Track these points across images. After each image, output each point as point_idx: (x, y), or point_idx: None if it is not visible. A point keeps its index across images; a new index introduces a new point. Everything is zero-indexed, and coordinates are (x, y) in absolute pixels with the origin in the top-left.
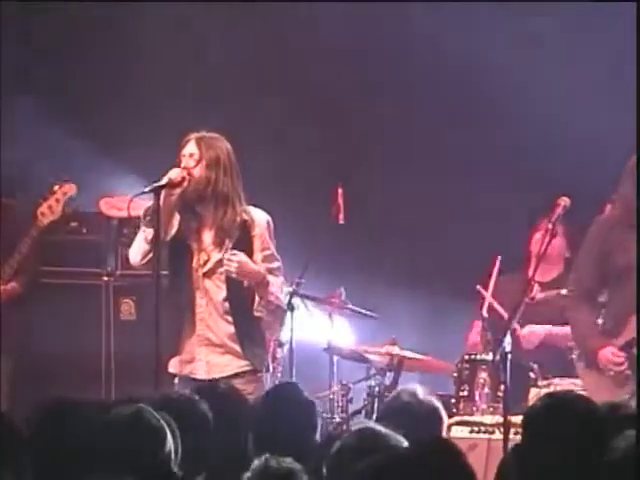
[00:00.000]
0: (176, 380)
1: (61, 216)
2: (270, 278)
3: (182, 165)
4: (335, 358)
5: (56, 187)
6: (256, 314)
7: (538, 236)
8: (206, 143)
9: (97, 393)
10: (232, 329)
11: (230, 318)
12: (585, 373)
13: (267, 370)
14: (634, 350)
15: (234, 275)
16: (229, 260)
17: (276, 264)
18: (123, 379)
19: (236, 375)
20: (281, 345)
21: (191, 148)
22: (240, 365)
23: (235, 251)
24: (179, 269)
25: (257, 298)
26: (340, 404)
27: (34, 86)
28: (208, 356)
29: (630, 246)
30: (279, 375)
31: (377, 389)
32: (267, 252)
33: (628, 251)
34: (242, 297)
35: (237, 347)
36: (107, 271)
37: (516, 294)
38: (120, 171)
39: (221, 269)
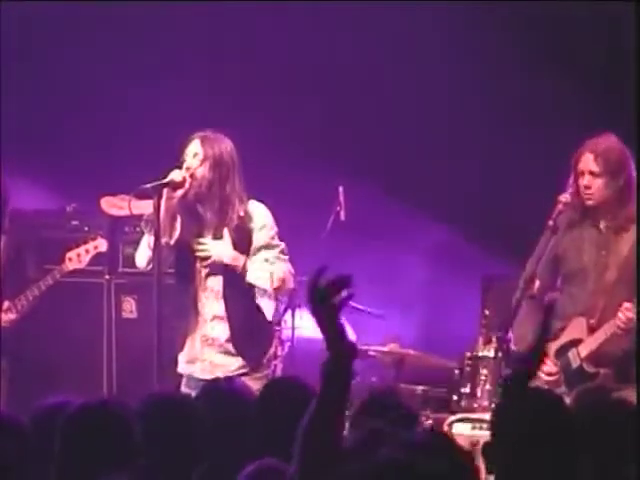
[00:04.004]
0: (184, 380)
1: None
2: (279, 264)
3: (186, 164)
4: None
5: (90, 240)
6: (257, 301)
7: None
8: (210, 142)
9: (98, 391)
10: (234, 329)
11: (232, 317)
12: None
13: (269, 369)
14: (569, 353)
15: (214, 260)
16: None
17: (280, 248)
18: (124, 377)
19: (238, 375)
20: (283, 343)
21: (195, 147)
22: (240, 365)
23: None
24: (184, 270)
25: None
26: None
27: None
28: (212, 356)
29: (584, 247)
30: (279, 373)
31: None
32: (266, 241)
33: (581, 252)
34: (243, 296)
35: (239, 347)
36: (108, 269)
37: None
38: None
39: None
